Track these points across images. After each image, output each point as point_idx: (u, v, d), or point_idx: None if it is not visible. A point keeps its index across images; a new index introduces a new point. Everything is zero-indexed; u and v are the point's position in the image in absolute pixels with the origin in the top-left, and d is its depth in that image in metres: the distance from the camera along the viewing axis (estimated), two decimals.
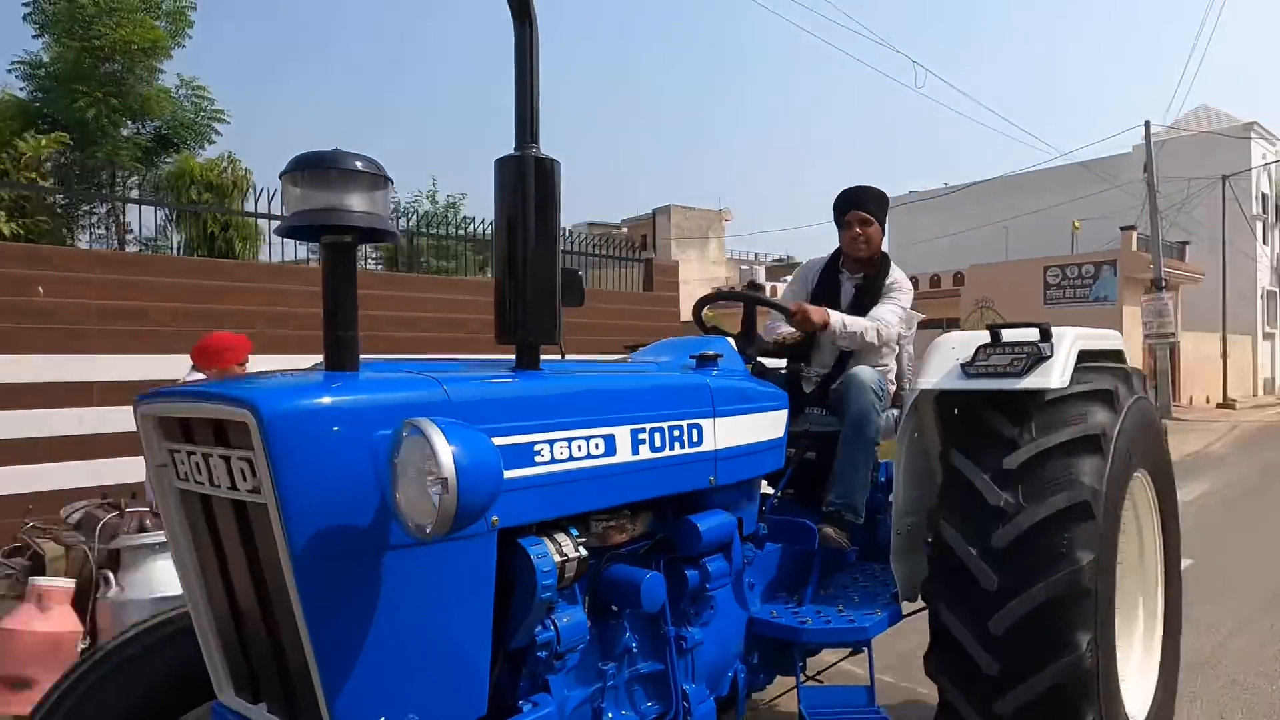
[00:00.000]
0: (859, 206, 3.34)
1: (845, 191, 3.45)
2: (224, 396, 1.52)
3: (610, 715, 2.12)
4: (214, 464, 1.61)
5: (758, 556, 2.74)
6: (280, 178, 1.63)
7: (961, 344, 2.86)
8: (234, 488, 1.57)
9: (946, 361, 2.85)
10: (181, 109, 9.47)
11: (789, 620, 2.61)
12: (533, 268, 1.87)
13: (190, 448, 1.67)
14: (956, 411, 2.95)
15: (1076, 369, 2.77)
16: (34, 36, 9.22)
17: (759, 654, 2.67)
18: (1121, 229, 23.72)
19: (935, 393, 2.87)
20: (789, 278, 3.85)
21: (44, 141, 7.12)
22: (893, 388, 3.33)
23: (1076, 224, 27.76)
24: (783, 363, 3.45)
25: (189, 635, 2.07)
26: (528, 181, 1.88)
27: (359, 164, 1.63)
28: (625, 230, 18.74)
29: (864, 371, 3.04)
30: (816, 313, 3.06)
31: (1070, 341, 2.76)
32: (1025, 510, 2.44)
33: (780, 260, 38.55)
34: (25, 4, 9.05)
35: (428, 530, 1.40)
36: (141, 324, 6.00)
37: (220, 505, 1.65)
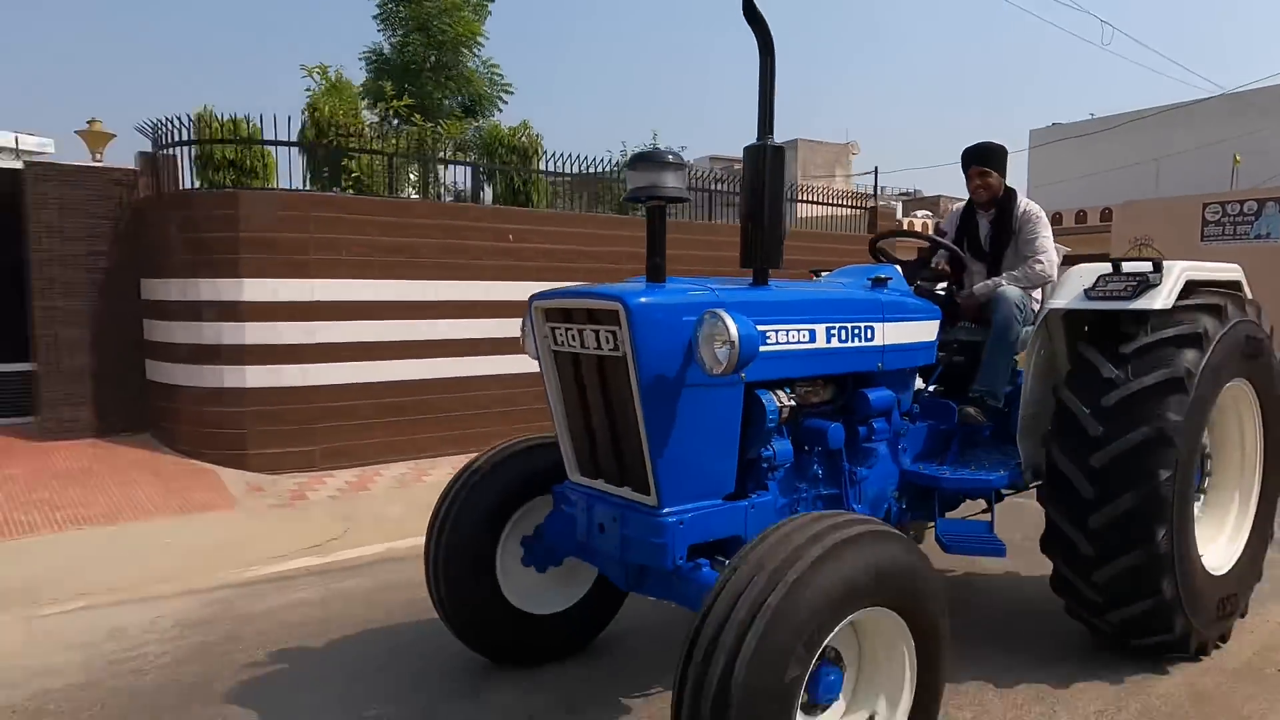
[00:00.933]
0: (979, 162, 4.17)
1: (967, 149, 4.27)
2: (600, 295, 2.69)
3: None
4: (585, 335, 2.79)
5: (911, 429, 3.72)
6: (625, 167, 2.75)
7: (1088, 273, 3.64)
8: (599, 349, 2.75)
9: (1075, 287, 3.64)
10: (481, 84, 11.97)
11: (932, 472, 3.59)
12: (767, 219, 2.89)
13: (568, 325, 2.87)
14: (1086, 328, 3.74)
15: (1192, 293, 3.50)
16: (379, 30, 11.75)
17: (908, 497, 3.67)
18: None
19: (1063, 311, 3.67)
20: (923, 212, 4.69)
21: (396, 105, 9.81)
22: (1036, 306, 4.12)
23: (1238, 158, 25.52)
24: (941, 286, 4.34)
25: (535, 450, 3.37)
26: (765, 162, 2.88)
27: (670, 157, 2.71)
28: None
29: (1011, 291, 3.88)
30: (972, 298, 4.00)
31: (1178, 273, 3.48)
32: (1130, 380, 3.25)
33: (907, 194, 37.19)
34: (377, 5, 11.59)
35: (718, 372, 2.51)
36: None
37: (587, 360, 2.85)
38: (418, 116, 9.78)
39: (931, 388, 3.98)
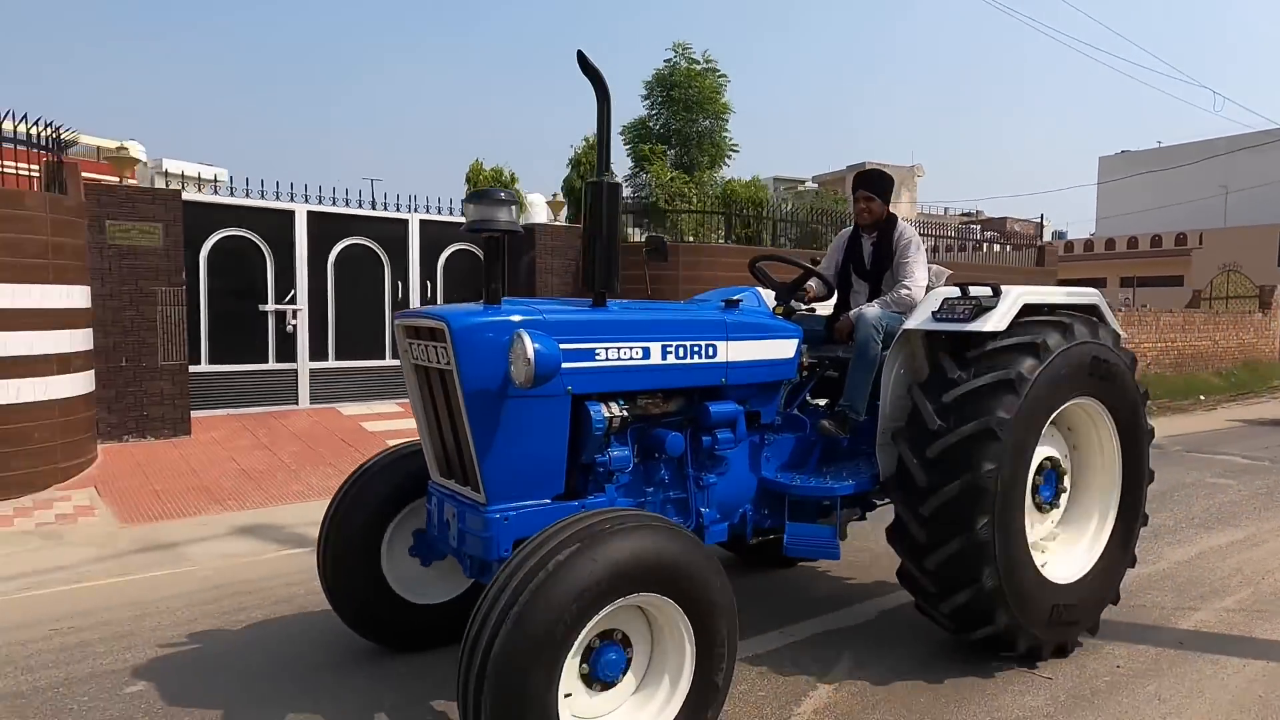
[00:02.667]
0: (864, 187, 4.49)
1: (856, 174, 4.59)
2: (431, 315, 3.05)
3: None
4: (429, 350, 3.15)
5: (775, 440, 4.00)
6: (463, 202, 3.11)
7: (938, 296, 3.91)
8: (438, 363, 3.11)
9: (927, 309, 3.90)
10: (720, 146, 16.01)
11: (785, 480, 3.87)
12: (605, 247, 3.22)
13: (419, 341, 3.23)
14: (944, 339, 3.99)
15: (1043, 314, 3.77)
16: (645, 106, 15.93)
17: (768, 504, 3.95)
18: None
19: (918, 331, 3.92)
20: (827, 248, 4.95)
21: (671, 175, 13.81)
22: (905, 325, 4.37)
23: None
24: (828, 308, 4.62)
25: (418, 453, 3.73)
26: (602, 196, 3.22)
27: (502, 194, 3.06)
28: (815, 185, 19.65)
29: (871, 312, 4.15)
30: (844, 323, 4.27)
31: (1014, 298, 3.73)
32: (969, 380, 3.55)
33: (968, 215, 37.24)
34: (645, 86, 15.80)
35: (521, 384, 2.84)
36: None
37: (432, 373, 3.20)
38: (680, 174, 13.89)
39: (818, 402, 4.26)
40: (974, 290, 3.82)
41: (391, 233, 10.04)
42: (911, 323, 3.91)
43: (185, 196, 8.58)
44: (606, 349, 3.24)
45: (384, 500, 3.74)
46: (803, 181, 22.43)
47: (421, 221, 10.22)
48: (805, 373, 4.07)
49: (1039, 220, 20.39)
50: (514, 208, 3.09)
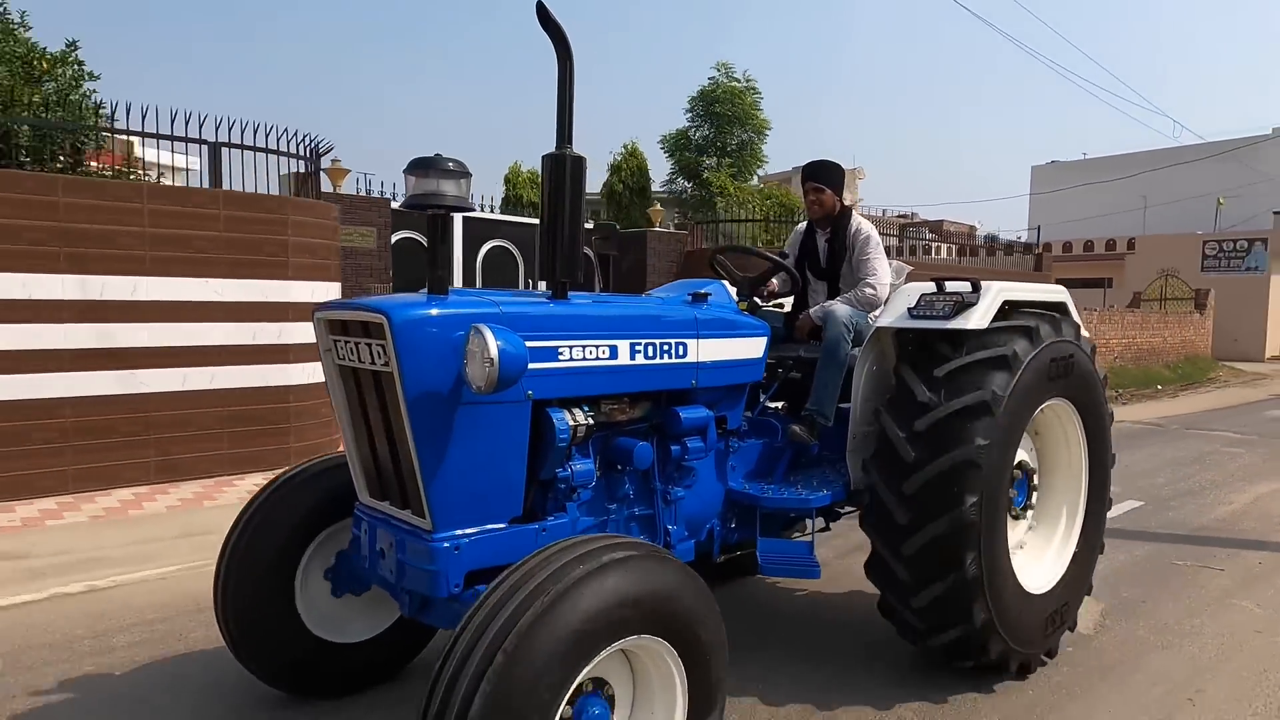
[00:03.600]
0: (812, 178, 4.20)
1: (805, 165, 4.29)
2: (367, 306, 2.54)
3: None
4: (361, 348, 2.63)
5: (741, 447, 3.66)
6: (404, 172, 2.61)
7: (913, 292, 3.65)
8: (372, 363, 2.60)
9: (900, 306, 3.64)
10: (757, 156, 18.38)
11: (755, 491, 3.53)
12: (567, 231, 2.79)
13: (346, 338, 2.71)
14: (909, 348, 3.74)
15: (1009, 314, 3.53)
16: (687, 117, 17.80)
17: (735, 517, 3.61)
18: (1275, 213, 28.94)
19: (891, 330, 3.66)
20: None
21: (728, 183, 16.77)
22: (874, 324, 4.12)
23: (1221, 200, 31.39)
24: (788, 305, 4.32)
25: (339, 468, 3.19)
26: (565, 172, 2.78)
27: (450, 164, 2.58)
28: (762, 186, 20.88)
29: (840, 310, 3.86)
30: (806, 321, 3.99)
31: (995, 293, 3.51)
32: (941, 405, 3.25)
33: (904, 217, 39.00)
34: (689, 101, 17.63)
35: (480, 389, 2.38)
36: None
37: (364, 375, 2.69)
38: (736, 183, 16.70)
39: (777, 405, 3.94)
40: (950, 286, 3.59)
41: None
42: (885, 319, 3.64)
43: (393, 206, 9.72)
44: (570, 347, 2.81)
45: (300, 522, 3.19)
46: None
47: (464, 219, 10.48)
48: (765, 374, 3.74)
49: (973, 225, 22.16)
50: (464, 181, 2.62)
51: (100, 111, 7.35)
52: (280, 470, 3.36)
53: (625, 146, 16.56)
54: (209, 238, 6.97)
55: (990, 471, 3.23)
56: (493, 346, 2.32)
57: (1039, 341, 3.51)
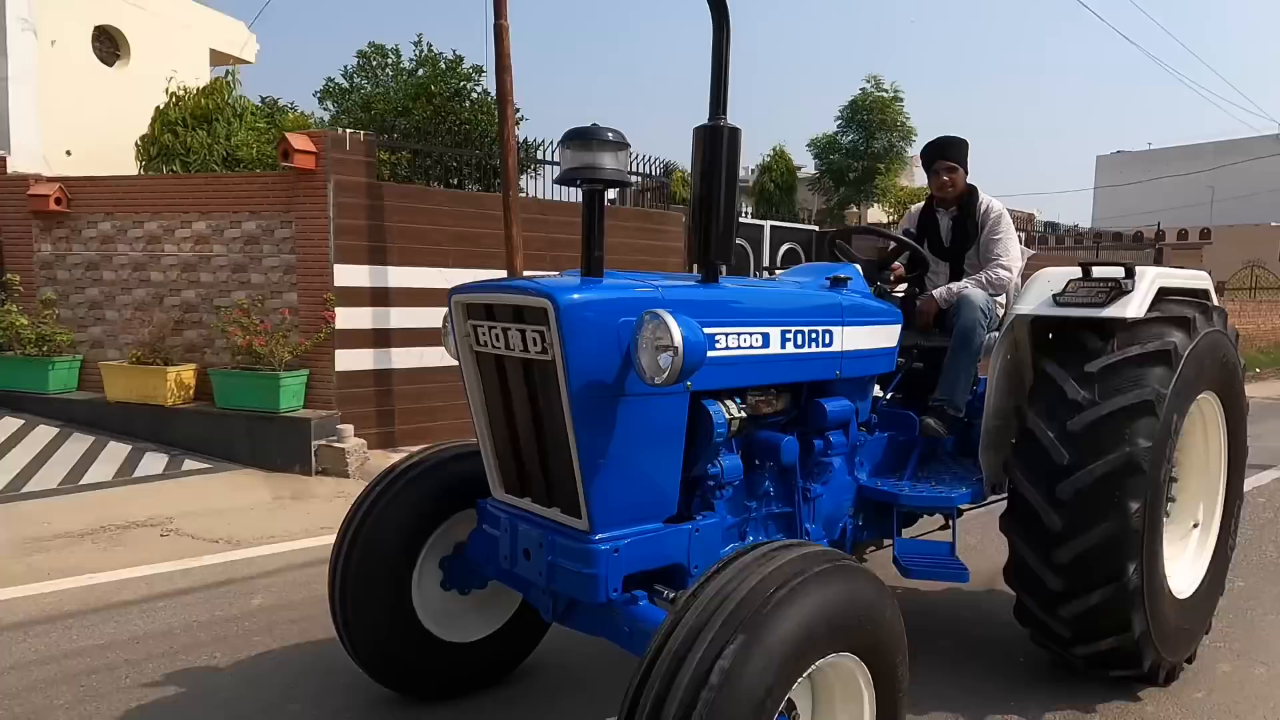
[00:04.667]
0: (944, 156, 3.95)
1: (930, 143, 4.04)
2: (527, 289, 2.34)
3: (751, 537, 2.92)
4: (510, 334, 2.44)
5: (868, 440, 3.45)
6: (558, 145, 2.40)
7: (1057, 277, 3.41)
8: (525, 351, 2.40)
9: (1042, 292, 3.41)
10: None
11: (890, 488, 3.32)
12: (722, 208, 2.58)
13: (491, 323, 2.51)
14: (1050, 336, 3.51)
15: (1161, 302, 3.29)
16: (837, 124, 19.84)
17: (864, 514, 3.41)
18: None
19: (1030, 317, 3.43)
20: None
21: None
22: (1001, 311, 3.89)
23: None
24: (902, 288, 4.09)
25: (463, 458, 3.02)
26: (721, 145, 2.56)
27: (609, 135, 2.37)
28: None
29: (976, 294, 3.64)
30: (930, 303, 3.76)
31: (1151, 279, 3.27)
32: (1097, 404, 3.03)
33: None
34: (840, 110, 19.60)
35: (659, 381, 2.18)
36: None
37: (512, 363, 2.50)
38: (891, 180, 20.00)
39: (888, 395, 3.73)
40: (1098, 271, 3.35)
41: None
42: (1025, 306, 3.41)
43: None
44: (726, 335, 2.60)
45: (420, 516, 3.02)
46: (801, 168, 22.92)
47: None
48: None
49: (1031, 214, 22.79)
50: (622, 153, 2.41)
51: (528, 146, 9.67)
52: (396, 460, 3.19)
53: (774, 148, 18.92)
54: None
55: (1153, 475, 3.01)
56: (677, 334, 2.12)
57: (1195, 333, 3.28)
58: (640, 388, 2.31)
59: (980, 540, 4.68)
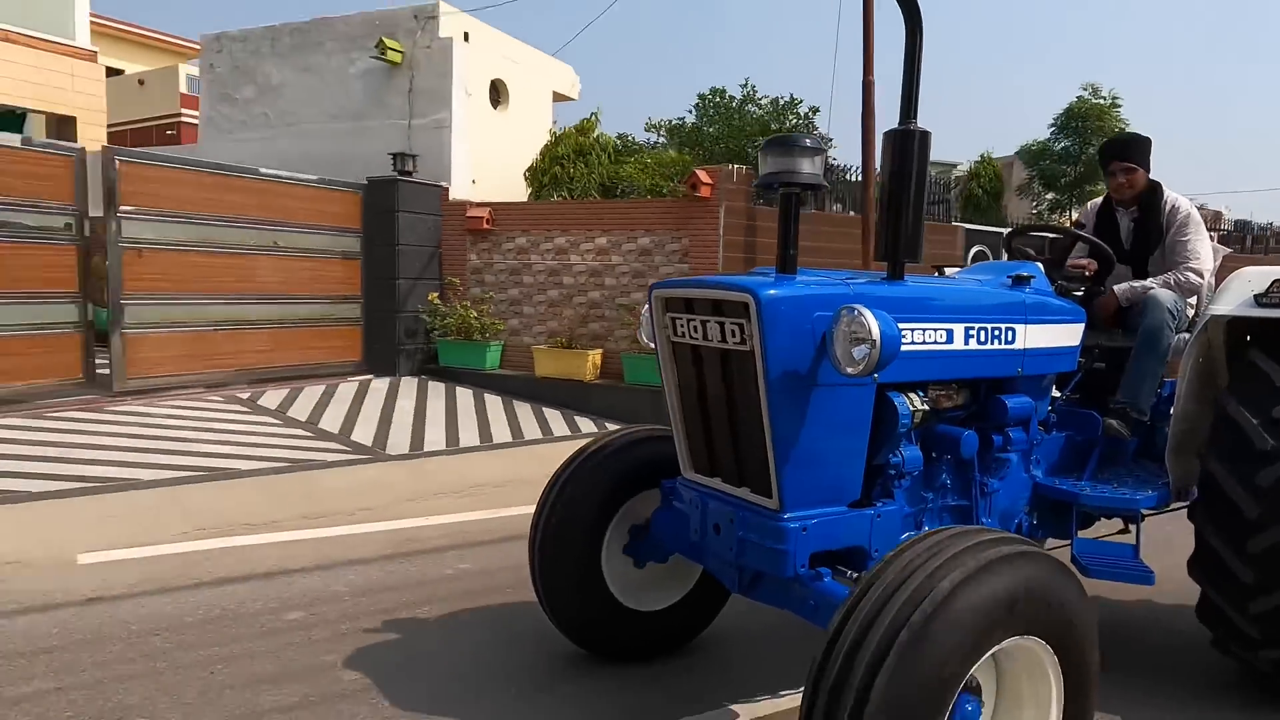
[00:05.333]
0: (1120, 157, 3.85)
1: (1106, 142, 3.96)
2: (729, 285, 2.56)
3: (928, 527, 3.01)
4: (709, 326, 2.66)
5: (1046, 439, 3.45)
6: (760, 151, 2.60)
7: (1258, 277, 3.29)
8: (724, 342, 2.62)
9: (1241, 292, 3.29)
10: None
11: (1069, 487, 3.32)
12: (911, 209, 2.70)
13: (689, 316, 2.74)
14: (1249, 338, 3.39)
15: None
16: (1050, 131, 19.80)
17: (1040, 513, 3.41)
18: None
19: (1227, 318, 3.32)
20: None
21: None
22: (1191, 313, 3.77)
23: None
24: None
25: (646, 441, 3.28)
26: (912, 148, 2.68)
27: (807, 141, 2.55)
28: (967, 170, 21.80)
29: (1163, 294, 3.56)
30: (1110, 299, 3.69)
31: None
32: None
33: None
34: (1054, 119, 19.43)
35: (854, 372, 2.34)
36: None
37: (709, 353, 2.72)
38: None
39: (1067, 395, 3.70)
40: None
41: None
42: (1222, 307, 3.29)
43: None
44: (912, 330, 2.72)
45: (609, 494, 3.30)
46: (955, 165, 22.30)
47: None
48: None
49: (1220, 211, 21.50)
50: (819, 158, 2.58)
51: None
52: (587, 441, 3.50)
53: (982, 156, 19.73)
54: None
55: None
56: (875, 328, 2.27)
57: None
58: (832, 378, 2.48)
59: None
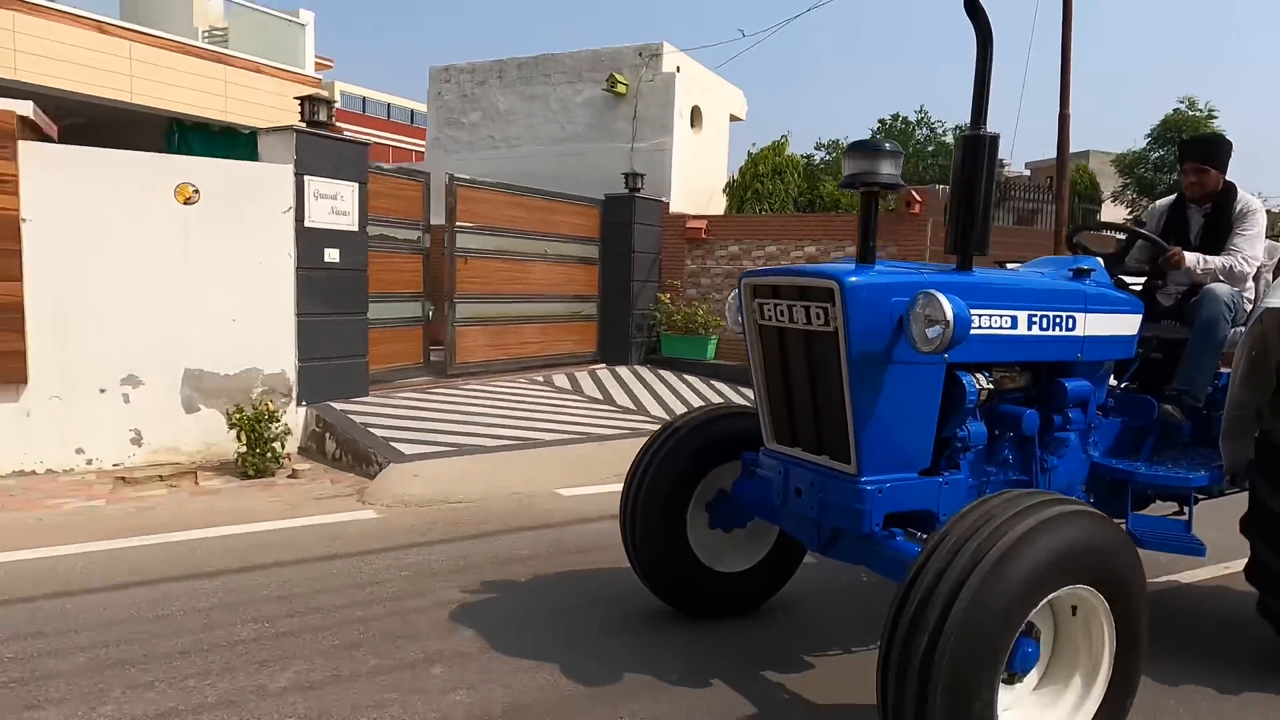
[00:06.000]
0: (1196, 158, 4.03)
1: (1184, 141, 4.13)
2: (815, 274, 2.88)
3: None
4: (795, 310, 2.98)
5: (1104, 423, 3.69)
6: (844, 154, 2.91)
7: None
8: (808, 324, 2.94)
9: None
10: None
11: (1126, 466, 3.56)
12: (981, 207, 2.98)
13: (776, 301, 3.07)
14: None
15: None
16: (1146, 141, 21.56)
17: (1097, 492, 3.66)
18: None
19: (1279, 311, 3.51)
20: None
21: None
22: (1248, 307, 3.95)
23: None
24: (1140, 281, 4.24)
25: (724, 418, 3.62)
26: (983, 151, 2.97)
27: (886, 146, 2.86)
28: (1029, 173, 22.23)
29: (1220, 287, 3.77)
30: (1177, 256, 3.87)
31: None
32: None
33: None
34: (1151, 129, 21.04)
35: (927, 350, 2.65)
36: None
37: (793, 335, 3.05)
38: None
39: (1123, 383, 3.93)
40: None
41: None
42: (1276, 300, 3.49)
43: None
44: (979, 315, 3.00)
45: (693, 463, 3.64)
46: (1004, 165, 22.71)
47: None
48: None
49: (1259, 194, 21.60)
50: (897, 160, 2.89)
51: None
52: (673, 418, 3.85)
53: (1077, 166, 19.90)
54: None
55: None
56: (948, 310, 2.57)
57: None
58: (907, 356, 2.78)
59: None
